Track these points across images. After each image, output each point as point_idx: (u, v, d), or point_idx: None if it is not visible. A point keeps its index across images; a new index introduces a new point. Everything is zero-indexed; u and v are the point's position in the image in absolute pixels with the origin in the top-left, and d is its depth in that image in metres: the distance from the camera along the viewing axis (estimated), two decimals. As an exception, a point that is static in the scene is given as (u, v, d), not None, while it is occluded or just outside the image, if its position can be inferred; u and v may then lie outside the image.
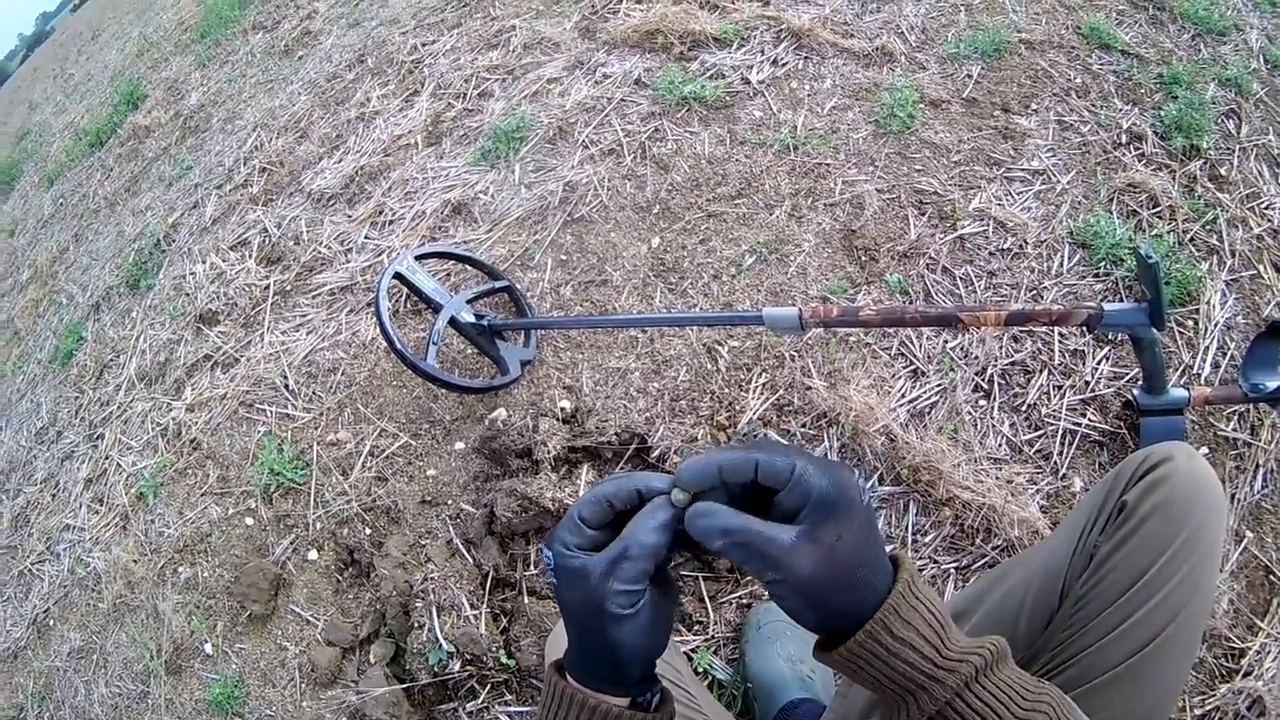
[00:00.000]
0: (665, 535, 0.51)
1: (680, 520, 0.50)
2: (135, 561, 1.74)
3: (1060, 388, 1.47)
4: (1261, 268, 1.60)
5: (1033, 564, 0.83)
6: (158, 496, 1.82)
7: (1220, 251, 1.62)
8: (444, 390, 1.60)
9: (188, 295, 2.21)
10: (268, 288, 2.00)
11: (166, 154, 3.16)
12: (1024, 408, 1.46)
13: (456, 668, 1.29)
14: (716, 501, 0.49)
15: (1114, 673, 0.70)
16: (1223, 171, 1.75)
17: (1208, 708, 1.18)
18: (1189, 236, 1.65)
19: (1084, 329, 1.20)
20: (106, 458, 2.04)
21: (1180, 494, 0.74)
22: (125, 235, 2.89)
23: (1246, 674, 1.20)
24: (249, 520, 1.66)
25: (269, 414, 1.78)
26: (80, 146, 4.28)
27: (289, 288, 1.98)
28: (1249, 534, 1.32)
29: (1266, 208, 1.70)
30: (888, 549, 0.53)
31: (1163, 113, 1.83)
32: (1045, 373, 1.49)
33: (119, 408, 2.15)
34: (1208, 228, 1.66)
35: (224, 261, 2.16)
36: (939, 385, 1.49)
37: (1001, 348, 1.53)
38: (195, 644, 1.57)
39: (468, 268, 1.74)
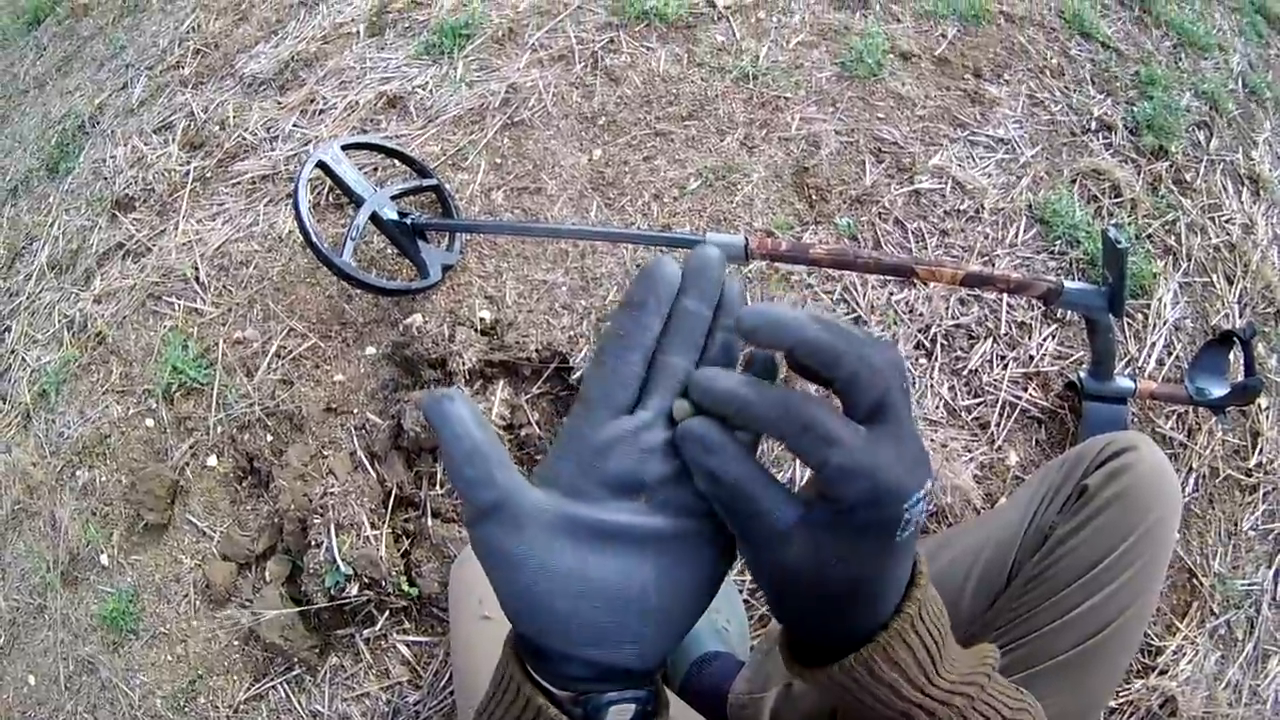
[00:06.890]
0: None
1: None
2: (34, 464, 1.64)
3: (1004, 358, 1.45)
4: (1215, 277, 1.61)
5: (980, 536, 0.80)
6: (59, 394, 1.70)
7: (1177, 253, 1.62)
8: (358, 290, 1.50)
9: (106, 179, 2.06)
10: (188, 174, 1.87)
11: (102, 33, 2.94)
12: (965, 372, 1.43)
13: (354, 591, 1.23)
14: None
15: (1062, 659, 0.69)
16: (1188, 178, 1.75)
17: (1120, 701, 1.20)
18: (1147, 233, 1.64)
19: (1041, 301, 1.18)
20: (12, 352, 1.91)
21: (1142, 485, 0.72)
22: (50, 117, 2.69)
23: (1162, 672, 1.23)
24: (149, 421, 1.57)
25: (176, 307, 1.67)
26: (18, 25, 3.99)
27: (209, 175, 1.85)
28: (1176, 535, 1.34)
29: (1226, 221, 1.71)
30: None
31: (1136, 109, 1.82)
32: (990, 340, 1.46)
33: (28, 298, 2.02)
34: (1167, 228, 1.66)
35: (146, 145, 2.02)
36: (880, 337, 1.45)
37: (948, 308, 1.49)
38: (91, 554, 1.49)
39: (396, 164, 1.64)
